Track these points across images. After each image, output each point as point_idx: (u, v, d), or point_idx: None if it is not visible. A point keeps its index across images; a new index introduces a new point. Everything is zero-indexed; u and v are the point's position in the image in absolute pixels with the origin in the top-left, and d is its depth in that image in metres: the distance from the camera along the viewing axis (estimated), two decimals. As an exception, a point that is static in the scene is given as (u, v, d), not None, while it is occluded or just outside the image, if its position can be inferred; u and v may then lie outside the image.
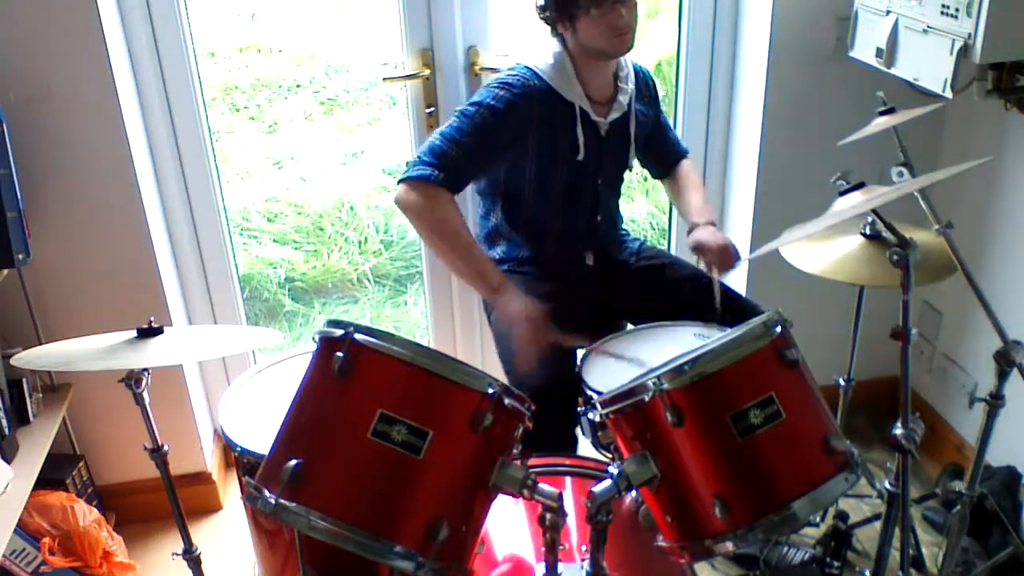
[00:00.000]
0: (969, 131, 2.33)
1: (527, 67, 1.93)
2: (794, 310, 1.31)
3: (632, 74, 2.06)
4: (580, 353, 1.88)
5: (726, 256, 2.00)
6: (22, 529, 1.98)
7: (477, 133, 1.85)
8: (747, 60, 2.37)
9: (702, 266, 2.04)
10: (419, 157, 1.85)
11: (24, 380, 2.06)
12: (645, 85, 2.11)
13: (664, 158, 2.23)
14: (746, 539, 1.15)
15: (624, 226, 2.24)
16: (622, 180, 2.17)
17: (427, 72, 2.28)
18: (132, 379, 1.51)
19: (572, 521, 1.42)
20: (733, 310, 1.95)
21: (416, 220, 1.86)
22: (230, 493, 2.57)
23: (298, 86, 3.22)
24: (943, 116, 2.37)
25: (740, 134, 2.47)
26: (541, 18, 1.95)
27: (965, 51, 1.76)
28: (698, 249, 2.02)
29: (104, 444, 2.35)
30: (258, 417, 1.65)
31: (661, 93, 2.19)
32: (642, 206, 3.23)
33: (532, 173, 1.96)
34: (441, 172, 1.81)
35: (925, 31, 1.86)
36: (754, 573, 2.10)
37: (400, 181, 1.85)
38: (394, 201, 1.88)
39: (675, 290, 2.07)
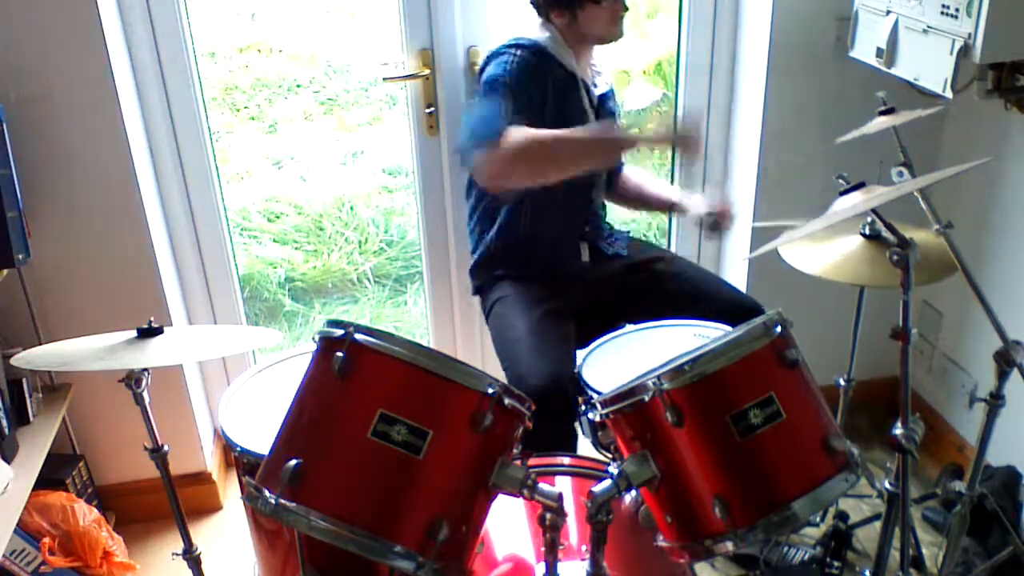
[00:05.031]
0: (969, 131, 2.33)
1: (527, 38, 1.96)
2: (794, 310, 1.30)
3: (601, 62, 2.12)
4: (580, 353, 1.88)
5: (728, 216, 2.08)
6: (22, 529, 1.98)
7: (511, 95, 1.84)
8: (747, 60, 2.37)
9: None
10: (473, 132, 1.81)
11: (24, 380, 2.06)
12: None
13: None
14: (746, 539, 1.15)
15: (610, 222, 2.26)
16: None
17: (427, 72, 2.28)
18: (132, 379, 1.51)
19: (572, 521, 1.42)
20: (736, 309, 1.96)
21: (522, 173, 1.79)
22: (230, 493, 2.57)
23: (298, 86, 3.21)
24: (943, 116, 2.37)
25: (740, 134, 2.47)
26: (534, 4, 1.98)
27: (965, 51, 1.76)
28: (721, 216, 2.06)
29: (104, 444, 2.35)
30: (258, 417, 1.65)
31: (643, 100, 2.25)
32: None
33: None
34: (500, 125, 1.76)
35: (925, 31, 1.86)
36: (754, 573, 2.10)
37: (475, 166, 1.80)
38: (485, 184, 1.86)
39: (671, 284, 2.08)
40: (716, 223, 2.07)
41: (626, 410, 1.22)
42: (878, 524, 1.94)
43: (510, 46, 1.93)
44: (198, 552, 1.73)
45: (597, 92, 2.06)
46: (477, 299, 2.39)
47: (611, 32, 1.96)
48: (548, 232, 2.04)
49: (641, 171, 2.27)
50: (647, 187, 2.23)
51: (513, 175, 1.80)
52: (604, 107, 2.08)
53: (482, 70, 1.96)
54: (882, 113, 1.74)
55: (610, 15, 1.92)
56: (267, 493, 1.12)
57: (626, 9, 1.95)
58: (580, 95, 2.00)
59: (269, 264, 3.21)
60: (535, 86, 1.90)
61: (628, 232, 2.25)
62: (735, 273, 2.60)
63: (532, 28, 2.00)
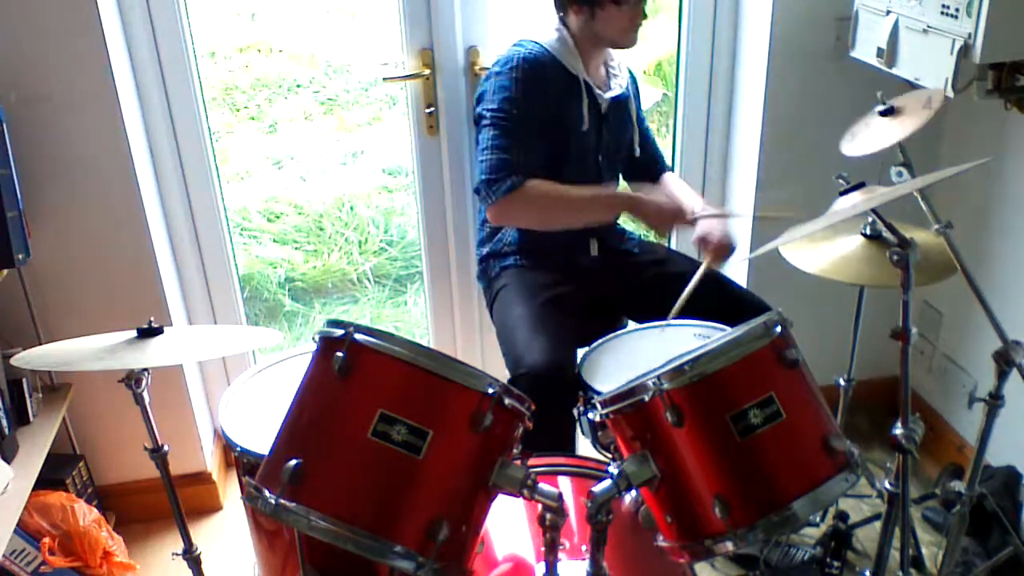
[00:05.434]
0: (969, 131, 2.33)
1: (533, 41, 1.99)
2: (794, 310, 1.31)
3: (620, 63, 2.13)
4: (580, 353, 1.88)
5: (724, 251, 2.04)
6: (22, 529, 1.98)
7: (517, 125, 1.91)
8: (747, 60, 2.37)
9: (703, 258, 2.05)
10: (486, 178, 1.91)
11: (24, 380, 2.06)
12: (631, 77, 2.18)
13: (647, 166, 2.25)
14: (746, 539, 1.15)
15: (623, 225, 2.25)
16: (623, 163, 2.19)
17: (427, 72, 2.28)
18: (132, 379, 1.51)
19: (573, 520, 1.42)
20: (737, 306, 1.96)
21: (530, 223, 2.02)
22: (230, 493, 2.57)
23: (298, 86, 3.22)
24: (943, 116, 2.37)
25: (740, 134, 2.47)
26: (554, 1, 2.00)
27: (965, 51, 1.76)
28: (701, 241, 2.05)
29: (104, 444, 2.35)
30: (258, 417, 1.65)
31: (644, 101, 2.25)
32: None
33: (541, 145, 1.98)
34: (516, 176, 1.89)
35: (925, 31, 1.86)
36: (754, 573, 2.10)
37: (489, 207, 1.93)
38: (494, 222, 2.00)
39: (677, 286, 2.08)
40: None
41: (626, 410, 1.22)
42: (878, 524, 1.94)
43: (510, 59, 1.94)
44: (198, 552, 1.73)
45: (609, 95, 2.05)
46: (477, 300, 2.39)
47: (626, 37, 1.97)
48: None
49: (679, 181, 2.26)
50: (677, 195, 2.18)
51: (521, 223, 2.05)
52: (615, 111, 2.07)
53: (488, 79, 1.98)
54: (882, 114, 1.74)
55: (629, 19, 1.93)
56: (267, 493, 1.12)
57: (645, 17, 1.95)
58: (582, 101, 2.00)
59: (269, 264, 3.21)
60: (535, 101, 1.93)
61: (641, 236, 2.25)
62: (735, 273, 2.59)
63: (544, 28, 2.01)
